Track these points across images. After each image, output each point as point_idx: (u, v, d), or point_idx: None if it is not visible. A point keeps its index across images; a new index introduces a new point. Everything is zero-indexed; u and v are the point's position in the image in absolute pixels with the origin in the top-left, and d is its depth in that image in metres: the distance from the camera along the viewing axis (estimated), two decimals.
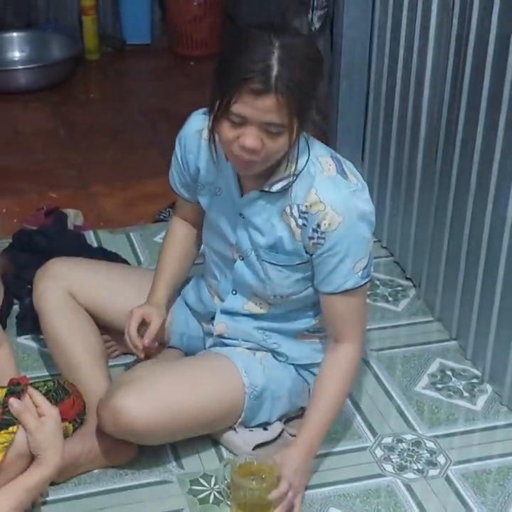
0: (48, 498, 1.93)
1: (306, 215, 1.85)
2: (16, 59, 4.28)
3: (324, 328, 2.06)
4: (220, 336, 2.10)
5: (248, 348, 2.07)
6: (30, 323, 2.47)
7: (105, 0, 4.55)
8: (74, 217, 2.97)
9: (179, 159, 2.03)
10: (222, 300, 2.09)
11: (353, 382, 2.02)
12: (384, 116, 2.79)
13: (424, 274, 2.61)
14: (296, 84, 1.67)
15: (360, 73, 2.87)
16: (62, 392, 1.96)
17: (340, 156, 1.93)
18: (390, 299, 2.65)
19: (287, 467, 1.87)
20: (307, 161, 1.84)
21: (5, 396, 1.63)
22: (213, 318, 2.11)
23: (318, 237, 1.85)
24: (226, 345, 2.09)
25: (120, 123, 3.83)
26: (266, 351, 2.07)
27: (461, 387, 2.31)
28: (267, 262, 1.94)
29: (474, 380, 2.34)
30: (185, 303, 2.20)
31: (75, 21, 4.50)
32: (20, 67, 4.14)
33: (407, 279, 2.73)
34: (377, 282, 2.72)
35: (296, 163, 1.82)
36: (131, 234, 2.96)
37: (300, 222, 1.86)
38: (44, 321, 2.15)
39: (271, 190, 1.86)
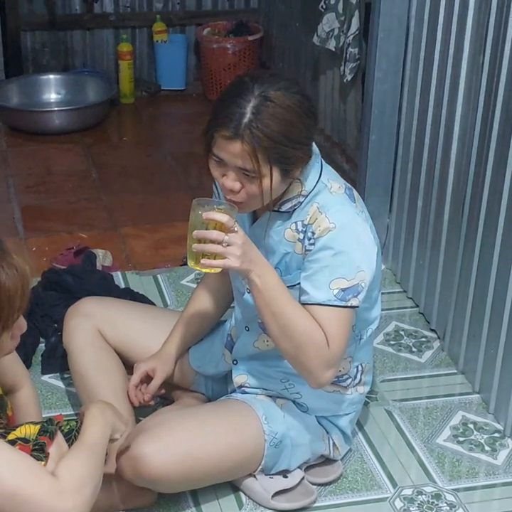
0: None
1: (305, 228, 1.88)
2: (52, 101, 4.37)
3: (348, 374, 2.08)
4: (241, 387, 2.11)
5: (269, 395, 2.09)
6: (55, 362, 2.50)
7: (142, 46, 4.66)
8: (103, 257, 3.01)
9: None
10: (237, 339, 2.11)
11: (302, 352, 1.86)
12: (412, 169, 2.82)
13: (449, 327, 2.62)
14: (266, 133, 1.73)
15: (390, 125, 2.91)
16: None
17: (355, 190, 1.96)
18: (414, 349, 2.65)
19: (253, 248, 1.81)
20: (317, 182, 1.88)
21: (38, 433, 1.66)
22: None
23: (310, 244, 1.87)
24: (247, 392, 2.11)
25: (151, 166, 3.89)
26: (287, 399, 2.09)
27: (482, 441, 2.30)
28: None
29: (496, 435, 2.33)
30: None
31: (112, 65, 4.60)
32: (55, 109, 4.24)
33: (432, 330, 2.74)
34: (402, 332, 2.73)
35: (305, 185, 1.87)
36: (158, 276, 3.00)
37: (301, 235, 1.89)
38: (72, 357, 2.19)
39: (280, 210, 1.90)
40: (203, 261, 1.76)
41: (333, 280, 1.84)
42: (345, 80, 3.39)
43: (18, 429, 1.68)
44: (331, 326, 1.85)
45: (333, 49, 3.43)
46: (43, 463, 1.59)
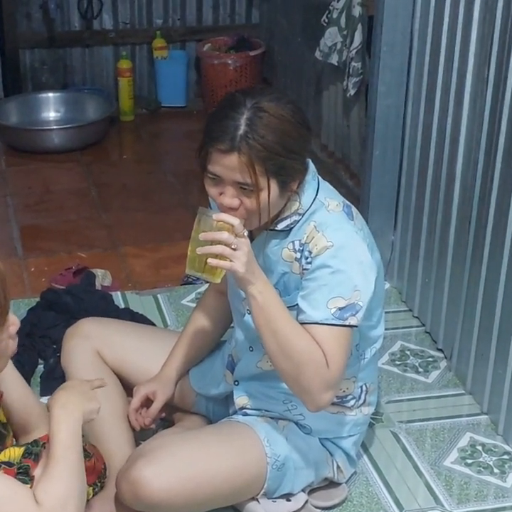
0: None
1: (303, 247, 1.88)
2: (51, 119, 4.38)
3: (352, 395, 2.07)
4: (242, 408, 2.10)
5: (271, 417, 2.07)
6: (54, 383, 2.48)
7: (142, 63, 4.68)
8: (102, 277, 3.01)
9: None
10: (238, 360, 2.10)
11: (300, 370, 1.84)
12: (417, 184, 2.82)
13: (456, 346, 2.61)
14: (262, 145, 1.74)
15: (394, 140, 2.91)
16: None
17: (354, 208, 1.96)
18: (421, 370, 2.64)
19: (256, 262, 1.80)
20: (313, 200, 1.89)
21: (22, 456, 1.65)
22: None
23: (307, 263, 1.87)
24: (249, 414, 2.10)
25: (152, 184, 3.90)
26: (289, 420, 2.08)
27: (491, 463, 2.28)
28: None
29: (505, 456, 2.31)
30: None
31: (111, 83, 4.62)
32: (54, 127, 4.25)
33: (438, 350, 2.72)
34: (408, 352, 2.72)
35: (301, 203, 1.87)
36: (158, 296, 2.99)
37: (298, 255, 1.89)
38: (70, 379, 2.17)
39: (276, 228, 1.90)
40: (210, 260, 1.76)
41: (330, 299, 1.84)
42: (348, 95, 3.40)
43: (2, 452, 1.67)
44: (330, 345, 1.84)
45: (336, 63, 3.44)
46: (28, 486, 1.58)
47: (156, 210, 3.64)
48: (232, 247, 1.76)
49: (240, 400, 2.10)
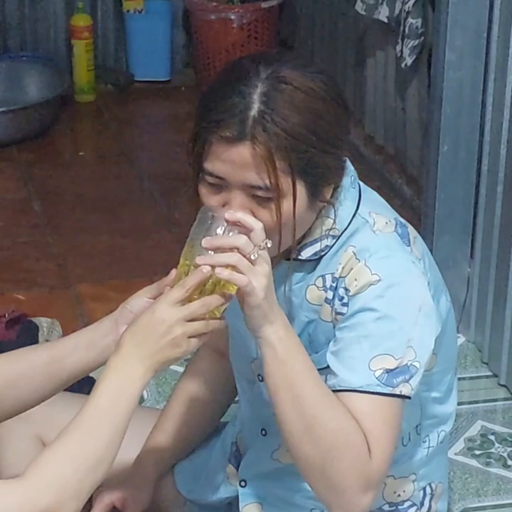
0: None
1: (337, 282, 1.88)
2: None
3: (411, 500, 2.07)
4: None
5: None
6: None
7: (106, 18, 4.71)
8: (48, 329, 3.03)
9: None
10: (245, 449, 2.11)
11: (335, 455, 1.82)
12: (503, 193, 2.83)
13: None
14: (285, 130, 1.73)
15: (469, 130, 2.92)
16: None
17: (411, 227, 1.96)
18: (510, 462, 2.64)
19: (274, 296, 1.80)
20: (353, 216, 1.89)
21: None
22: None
23: (342, 304, 1.86)
24: None
25: (121, 194, 3.92)
26: None
27: None
28: None
29: None
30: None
31: (62, 47, 4.65)
32: None
33: None
34: (492, 437, 2.72)
35: (335, 221, 1.87)
36: None
37: (330, 294, 1.89)
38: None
39: (299, 258, 1.91)
40: (218, 270, 1.71)
41: (374, 357, 1.83)
42: (403, 65, 3.42)
43: None
44: (373, 423, 1.83)
45: (386, 20, 3.46)
46: None
47: (127, 231, 3.67)
48: (251, 257, 1.76)
49: (249, 508, 2.10)
